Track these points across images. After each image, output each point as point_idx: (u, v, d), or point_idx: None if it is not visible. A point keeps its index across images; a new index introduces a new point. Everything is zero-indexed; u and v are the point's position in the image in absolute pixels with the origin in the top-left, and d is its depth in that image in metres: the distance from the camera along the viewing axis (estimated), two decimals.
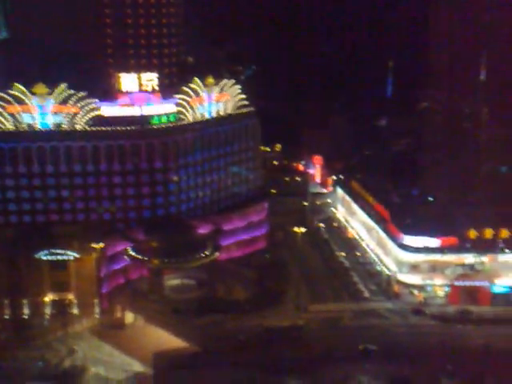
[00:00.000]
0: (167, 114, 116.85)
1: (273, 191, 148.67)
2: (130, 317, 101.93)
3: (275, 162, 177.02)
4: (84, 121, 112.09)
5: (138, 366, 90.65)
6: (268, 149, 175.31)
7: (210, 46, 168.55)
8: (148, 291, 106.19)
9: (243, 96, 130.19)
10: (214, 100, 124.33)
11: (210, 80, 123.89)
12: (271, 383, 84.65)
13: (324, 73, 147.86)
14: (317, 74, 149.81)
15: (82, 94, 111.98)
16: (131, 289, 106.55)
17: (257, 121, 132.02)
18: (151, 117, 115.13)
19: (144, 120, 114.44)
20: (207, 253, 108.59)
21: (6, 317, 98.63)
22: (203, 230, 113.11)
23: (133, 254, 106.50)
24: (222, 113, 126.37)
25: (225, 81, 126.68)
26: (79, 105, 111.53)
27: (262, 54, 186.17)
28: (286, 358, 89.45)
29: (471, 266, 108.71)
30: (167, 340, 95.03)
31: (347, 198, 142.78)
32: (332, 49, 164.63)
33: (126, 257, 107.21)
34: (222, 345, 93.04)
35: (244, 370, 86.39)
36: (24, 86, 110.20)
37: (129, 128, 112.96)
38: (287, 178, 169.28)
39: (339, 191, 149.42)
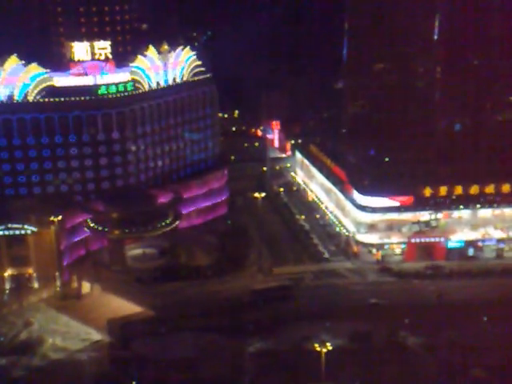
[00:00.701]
0: (123, 83, 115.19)
1: (232, 157, 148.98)
2: (86, 287, 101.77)
3: (234, 129, 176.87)
4: (36, 91, 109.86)
5: (95, 335, 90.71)
6: (226, 115, 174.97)
7: (164, 12, 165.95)
8: (110, 262, 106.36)
9: (199, 62, 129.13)
10: (169, 67, 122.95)
11: (165, 47, 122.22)
12: (233, 345, 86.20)
13: (280, 35, 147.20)
14: (272, 35, 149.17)
15: (33, 64, 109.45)
16: (92, 260, 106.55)
17: (214, 87, 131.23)
18: (99, 86, 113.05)
19: (92, 90, 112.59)
20: (168, 221, 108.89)
21: None
22: (163, 199, 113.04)
23: (93, 225, 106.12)
24: (178, 80, 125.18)
25: (180, 47, 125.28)
26: (29, 75, 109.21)
27: (217, 18, 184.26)
28: (248, 320, 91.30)
29: (427, 223, 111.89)
30: (126, 308, 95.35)
31: (306, 161, 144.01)
32: (287, 9, 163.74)
33: (86, 228, 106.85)
34: (184, 311, 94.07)
35: (206, 334, 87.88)
36: None
37: (84, 98, 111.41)
38: (246, 144, 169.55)
39: (298, 155, 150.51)
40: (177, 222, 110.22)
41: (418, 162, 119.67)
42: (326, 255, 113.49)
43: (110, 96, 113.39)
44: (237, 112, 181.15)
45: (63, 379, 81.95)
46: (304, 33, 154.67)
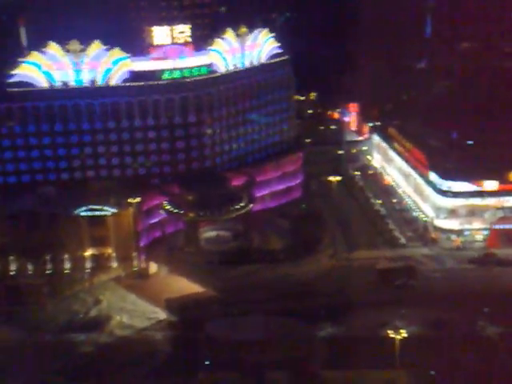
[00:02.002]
0: (200, 66, 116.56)
1: (307, 141, 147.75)
2: (153, 267, 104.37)
3: (310, 111, 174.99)
4: (117, 76, 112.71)
5: (161, 314, 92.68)
6: (302, 97, 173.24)
7: None
8: (184, 244, 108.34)
9: (277, 44, 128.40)
10: (247, 50, 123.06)
11: (243, 29, 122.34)
12: (304, 330, 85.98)
13: (359, 15, 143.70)
14: (352, 17, 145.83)
15: (115, 49, 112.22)
16: (167, 242, 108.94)
17: (291, 69, 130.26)
18: (162, 71, 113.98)
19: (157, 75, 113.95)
20: (242, 204, 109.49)
21: (48, 272, 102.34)
22: (238, 182, 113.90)
23: (169, 207, 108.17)
24: (255, 63, 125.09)
25: (258, 30, 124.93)
26: (112, 60, 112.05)
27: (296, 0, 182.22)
28: (320, 305, 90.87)
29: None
30: (191, 288, 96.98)
31: (383, 144, 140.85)
32: None
33: (162, 211, 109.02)
34: (255, 294, 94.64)
35: (277, 318, 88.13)
36: (59, 44, 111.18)
37: (161, 82, 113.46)
38: (322, 127, 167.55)
39: (375, 138, 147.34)
40: (250, 205, 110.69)
41: (503, 145, 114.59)
42: (403, 241, 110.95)
43: (187, 79, 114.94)
44: (313, 94, 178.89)
45: (130, 356, 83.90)
46: (385, 12, 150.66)
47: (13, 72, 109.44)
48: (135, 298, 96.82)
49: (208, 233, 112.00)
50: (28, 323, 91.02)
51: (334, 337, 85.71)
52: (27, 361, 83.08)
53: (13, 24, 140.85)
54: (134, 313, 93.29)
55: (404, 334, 76.14)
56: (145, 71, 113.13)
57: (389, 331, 77.37)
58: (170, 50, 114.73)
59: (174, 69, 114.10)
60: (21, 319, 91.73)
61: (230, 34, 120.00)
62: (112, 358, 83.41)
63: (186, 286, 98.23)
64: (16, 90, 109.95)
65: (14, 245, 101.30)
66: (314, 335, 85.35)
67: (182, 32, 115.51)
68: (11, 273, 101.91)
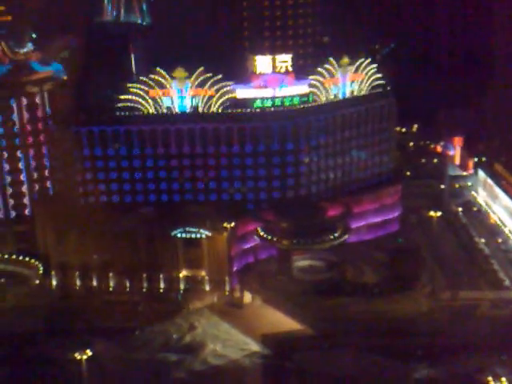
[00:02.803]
0: (299, 96, 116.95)
1: (407, 173, 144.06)
2: (248, 297, 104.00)
3: (411, 144, 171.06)
4: (219, 103, 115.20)
5: (254, 346, 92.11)
6: (404, 129, 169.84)
7: (348, 24, 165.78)
8: (276, 271, 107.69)
9: (379, 75, 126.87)
10: (348, 80, 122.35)
11: (345, 60, 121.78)
12: (397, 369, 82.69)
13: (465, 49, 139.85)
14: (457, 50, 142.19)
15: (218, 77, 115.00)
16: (260, 269, 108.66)
17: (393, 101, 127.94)
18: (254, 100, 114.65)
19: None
20: (337, 235, 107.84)
21: (144, 290, 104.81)
22: (333, 212, 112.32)
23: (262, 234, 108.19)
24: (356, 93, 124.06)
25: (360, 60, 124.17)
26: (215, 88, 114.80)
27: (400, 32, 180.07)
28: (416, 345, 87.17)
29: None
30: (287, 324, 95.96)
31: (489, 180, 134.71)
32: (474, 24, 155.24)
33: (255, 237, 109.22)
34: (348, 328, 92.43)
35: (369, 354, 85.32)
36: (165, 71, 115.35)
37: (261, 110, 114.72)
38: (424, 160, 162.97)
39: (481, 174, 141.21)
40: (345, 236, 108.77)
41: None
42: (508, 283, 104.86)
43: (287, 108, 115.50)
44: (416, 126, 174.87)
45: None
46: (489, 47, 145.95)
47: (122, 97, 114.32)
48: (229, 327, 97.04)
49: (301, 262, 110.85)
50: (124, 340, 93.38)
51: (430, 379, 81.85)
52: (120, 378, 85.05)
53: (124, 51, 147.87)
54: (227, 342, 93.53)
55: (505, 382, 71.37)
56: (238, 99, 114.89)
57: (488, 378, 72.85)
58: (271, 78, 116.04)
59: (274, 97, 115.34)
60: (117, 335, 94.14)
61: (331, 64, 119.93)
62: None
63: (279, 319, 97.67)
64: (123, 114, 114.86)
65: (114, 262, 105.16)
66: (408, 376, 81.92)
67: (284, 61, 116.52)
68: (110, 289, 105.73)
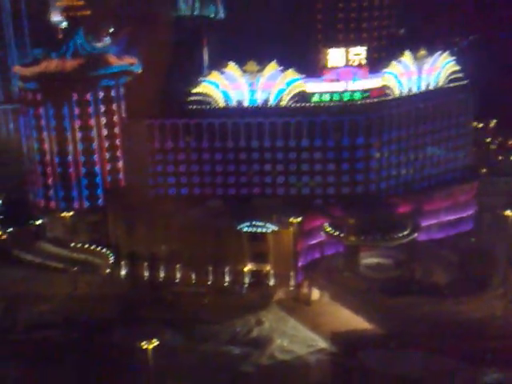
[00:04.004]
0: (361, 91, 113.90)
1: (483, 170, 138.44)
2: (315, 293, 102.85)
3: (488, 140, 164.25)
4: (289, 97, 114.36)
5: (321, 343, 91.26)
6: (481, 125, 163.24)
7: (424, 16, 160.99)
8: (343, 268, 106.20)
9: (457, 68, 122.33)
10: (424, 73, 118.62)
11: (422, 52, 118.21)
12: (465, 373, 79.68)
13: None
14: None
15: (289, 70, 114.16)
16: (326, 265, 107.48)
17: (470, 95, 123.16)
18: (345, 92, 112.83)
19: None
20: (406, 232, 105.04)
21: (209, 282, 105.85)
22: (403, 209, 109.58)
23: (329, 230, 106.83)
24: (432, 86, 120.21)
25: (438, 53, 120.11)
26: (286, 81, 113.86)
27: (481, 24, 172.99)
28: (486, 348, 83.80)
29: None
30: (355, 322, 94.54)
31: None
32: None
33: (322, 232, 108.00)
34: (416, 328, 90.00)
35: (436, 356, 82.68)
36: (236, 64, 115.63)
37: (332, 104, 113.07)
38: (501, 157, 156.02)
39: None
40: (415, 234, 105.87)
41: None
42: None
43: (359, 102, 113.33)
44: (494, 122, 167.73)
45: (287, 381, 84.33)
46: None
47: (193, 91, 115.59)
48: (296, 322, 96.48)
49: (368, 259, 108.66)
50: (190, 331, 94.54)
51: None
52: (187, 368, 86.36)
53: (197, 45, 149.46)
54: (294, 338, 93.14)
55: None
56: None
57: None
58: (344, 71, 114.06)
59: (346, 91, 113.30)
60: (183, 326, 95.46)
61: (407, 57, 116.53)
62: (271, 381, 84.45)
63: (346, 316, 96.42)
64: (194, 107, 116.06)
65: (181, 254, 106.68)
66: (477, 380, 78.88)
67: (358, 54, 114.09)
68: (176, 280, 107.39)
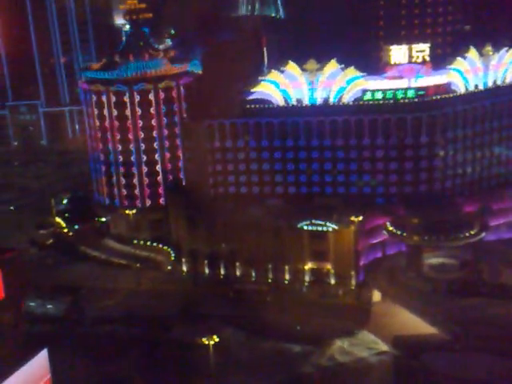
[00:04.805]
0: (438, 86, 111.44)
1: None
2: (377, 295, 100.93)
3: None
4: (350, 95, 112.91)
5: (382, 346, 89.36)
6: None
7: (490, 12, 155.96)
8: (405, 268, 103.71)
9: None
10: (491, 70, 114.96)
11: (488, 48, 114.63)
12: None
13: None
14: None
15: (350, 68, 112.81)
16: (388, 264, 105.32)
17: None
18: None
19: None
20: (473, 232, 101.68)
21: (269, 280, 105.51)
22: (469, 209, 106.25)
23: (392, 229, 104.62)
24: (499, 83, 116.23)
25: (505, 49, 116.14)
26: (346, 79, 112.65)
27: None
28: None
29: None
30: (418, 326, 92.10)
31: None
32: None
33: (384, 232, 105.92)
34: (482, 331, 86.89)
35: (505, 360, 79.61)
36: (296, 63, 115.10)
37: (395, 101, 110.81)
38: None
39: None
40: (482, 234, 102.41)
41: None
42: None
43: (421, 99, 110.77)
44: None
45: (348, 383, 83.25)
46: None
47: (253, 90, 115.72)
48: (357, 324, 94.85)
49: (432, 259, 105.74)
50: (250, 328, 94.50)
51: None
52: (247, 365, 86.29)
53: (257, 45, 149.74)
54: (355, 340, 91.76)
55: None
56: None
57: None
58: (407, 68, 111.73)
59: (409, 88, 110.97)
60: (244, 323, 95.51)
61: (473, 53, 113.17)
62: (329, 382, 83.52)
63: (408, 318, 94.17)
64: (254, 106, 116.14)
65: (241, 252, 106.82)
66: None
67: (421, 51, 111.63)
68: (236, 278, 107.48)
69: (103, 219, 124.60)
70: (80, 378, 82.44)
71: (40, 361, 65.42)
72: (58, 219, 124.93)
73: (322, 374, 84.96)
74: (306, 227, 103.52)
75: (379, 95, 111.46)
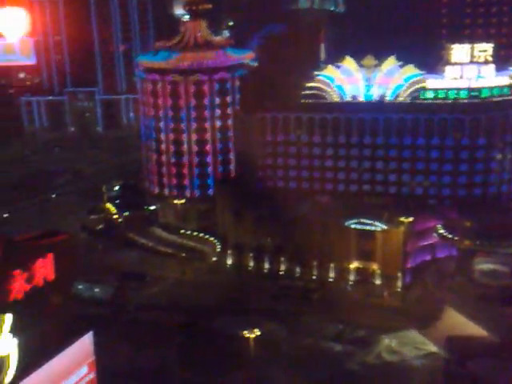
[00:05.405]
0: (499, 87, 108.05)
1: None
2: (425, 296, 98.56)
3: None
4: (407, 93, 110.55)
5: (431, 347, 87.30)
6: None
7: None
8: (455, 272, 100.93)
9: None
10: None
11: None
12: None
13: None
14: None
15: (409, 65, 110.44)
16: (437, 268, 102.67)
17: None
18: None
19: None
20: None
21: (314, 277, 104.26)
22: None
23: (443, 232, 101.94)
24: None
25: None
26: (404, 77, 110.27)
27: None
28: None
29: None
30: (469, 328, 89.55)
31: None
32: None
33: (434, 234, 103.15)
34: None
35: None
36: (353, 59, 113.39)
37: (453, 102, 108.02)
38: None
39: None
40: None
41: None
42: None
43: (481, 100, 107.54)
44: None
45: (393, 383, 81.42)
46: None
47: (308, 84, 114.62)
48: (405, 325, 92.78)
49: (483, 264, 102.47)
50: (292, 324, 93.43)
51: None
52: (288, 361, 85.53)
53: (315, 39, 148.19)
54: (403, 340, 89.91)
55: None
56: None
57: None
58: (468, 68, 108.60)
59: (470, 88, 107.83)
60: (287, 319, 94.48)
61: None
62: (376, 381, 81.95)
63: (457, 322, 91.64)
64: (308, 101, 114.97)
65: (287, 247, 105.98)
66: None
67: (484, 51, 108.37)
68: (281, 273, 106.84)
69: (152, 207, 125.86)
70: (122, 362, 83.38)
71: (85, 343, 66.41)
72: (108, 205, 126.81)
73: (368, 371, 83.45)
74: (353, 226, 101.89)
75: (437, 94, 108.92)
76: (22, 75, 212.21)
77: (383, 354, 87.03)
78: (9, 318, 57.29)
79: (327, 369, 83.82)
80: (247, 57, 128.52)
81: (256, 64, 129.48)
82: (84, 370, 66.92)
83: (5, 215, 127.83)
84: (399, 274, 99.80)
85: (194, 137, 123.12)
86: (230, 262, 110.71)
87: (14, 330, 57.57)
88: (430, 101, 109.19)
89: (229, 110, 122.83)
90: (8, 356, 57.78)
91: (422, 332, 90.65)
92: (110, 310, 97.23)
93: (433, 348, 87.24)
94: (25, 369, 59.25)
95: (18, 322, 58.01)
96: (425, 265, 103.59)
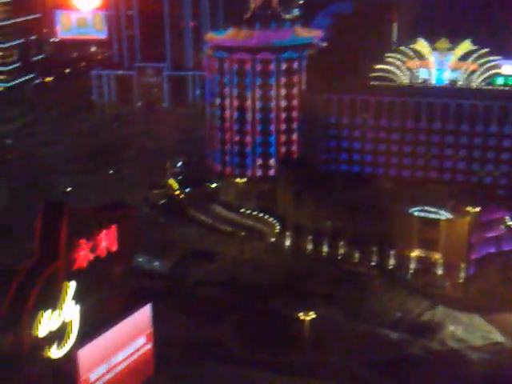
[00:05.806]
0: None
1: None
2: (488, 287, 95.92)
3: None
4: (481, 79, 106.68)
5: (499, 336, 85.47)
6: None
7: None
8: None
9: None
10: None
11: None
12: None
13: None
14: None
15: (484, 50, 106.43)
16: (502, 260, 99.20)
17: None
18: None
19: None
20: None
21: (373, 264, 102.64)
22: None
23: (511, 224, 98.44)
24: None
25: None
26: (479, 62, 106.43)
27: None
28: None
29: None
30: None
31: None
32: None
33: (502, 226, 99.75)
34: None
35: None
36: (427, 41, 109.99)
37: None
38: None
39: None
40: None
41: None
42: None
43: None
44: None
45: (457, 369, 79.94)
46: None
47: (377, 66, 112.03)
48: (471, 313, 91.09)
49: None
50: (348, 309, 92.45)
51: None
52: (342, 345, 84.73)
53: (387, 20, 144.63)
54: (469, 327, 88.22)
55: None
56: None
57: None
58: None
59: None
60: (344, 303, 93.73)
61: None
62: (439, 368, 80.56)
63: None
64: (377, 83, 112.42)
65: (346, 231, 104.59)
66: None
67: None
68: (339, 257, 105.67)
69: (214, 185, 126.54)
70: (179, 336, 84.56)
71: (144, 314, 68.06)
72: (171, 181, 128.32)
73: (431, 357, 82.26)
74: (417, 213, 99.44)
75: (507, 81, 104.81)
76: (93, 49, 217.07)
77: (447, 341, 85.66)
78: (73, 285, 59.13)
79: (385, 354, 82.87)
80: (315, 36, 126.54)
81: (324, 44, 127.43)
82: (142, 340, 68.49)
83: (68, 189, 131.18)
84: (463, 265, 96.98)
85: (258, 116, 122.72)
86: (288, 243, 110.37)
87: (77, 298, 59.46)
88: (504, 88, 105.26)
89: (295, 90, 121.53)
90: (71, 322, 59.65)
91: (488, 321, 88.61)
92: (169, 284, 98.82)
93: (500, 338, 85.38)
94: (85, 336, 61.06)
95: (80, 289, 59.83)
96: (489, 257, 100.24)
